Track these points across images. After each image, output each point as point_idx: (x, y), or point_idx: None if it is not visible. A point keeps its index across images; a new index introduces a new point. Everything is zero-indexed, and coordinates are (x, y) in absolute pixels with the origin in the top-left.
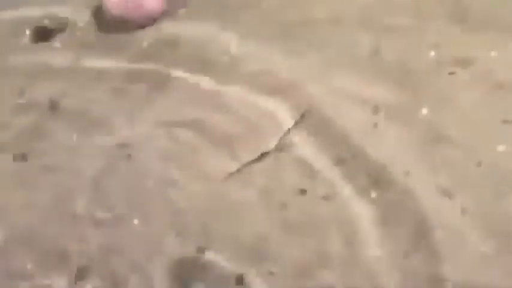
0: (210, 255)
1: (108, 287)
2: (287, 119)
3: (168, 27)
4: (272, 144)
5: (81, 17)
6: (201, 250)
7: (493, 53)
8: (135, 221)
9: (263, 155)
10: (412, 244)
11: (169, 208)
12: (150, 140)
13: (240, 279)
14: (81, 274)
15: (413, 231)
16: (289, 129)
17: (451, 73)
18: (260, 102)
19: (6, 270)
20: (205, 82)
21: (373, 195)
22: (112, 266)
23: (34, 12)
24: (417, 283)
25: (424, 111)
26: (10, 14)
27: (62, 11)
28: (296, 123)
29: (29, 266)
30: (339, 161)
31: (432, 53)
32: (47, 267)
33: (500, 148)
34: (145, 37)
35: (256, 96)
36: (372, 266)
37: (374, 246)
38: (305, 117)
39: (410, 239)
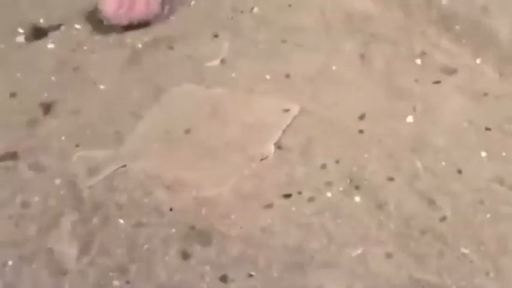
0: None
1: None
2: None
3: (161, 30)
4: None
5: (76, 18)
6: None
7: (477, 62)
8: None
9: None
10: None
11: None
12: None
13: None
14: None
15: (394, 234)
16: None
17: (436, 82)
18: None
19: None
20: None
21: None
22: None
23: (29, 11)
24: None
25: (409, 119)
26: (5, 13)
27: (57, 12)
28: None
29: None
30: (322, 166)
31: (418, 61)
32: None
33: (483, 154)
34: (139, 39)
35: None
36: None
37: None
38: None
39: (392, 241)
